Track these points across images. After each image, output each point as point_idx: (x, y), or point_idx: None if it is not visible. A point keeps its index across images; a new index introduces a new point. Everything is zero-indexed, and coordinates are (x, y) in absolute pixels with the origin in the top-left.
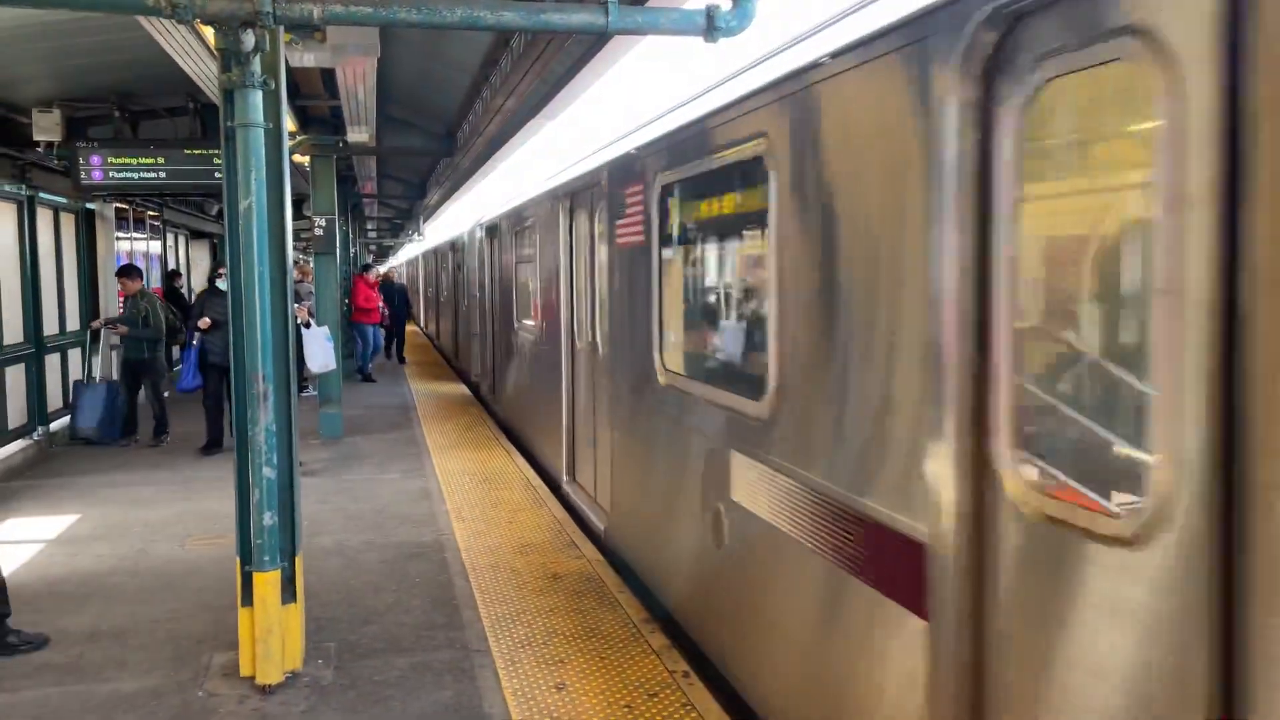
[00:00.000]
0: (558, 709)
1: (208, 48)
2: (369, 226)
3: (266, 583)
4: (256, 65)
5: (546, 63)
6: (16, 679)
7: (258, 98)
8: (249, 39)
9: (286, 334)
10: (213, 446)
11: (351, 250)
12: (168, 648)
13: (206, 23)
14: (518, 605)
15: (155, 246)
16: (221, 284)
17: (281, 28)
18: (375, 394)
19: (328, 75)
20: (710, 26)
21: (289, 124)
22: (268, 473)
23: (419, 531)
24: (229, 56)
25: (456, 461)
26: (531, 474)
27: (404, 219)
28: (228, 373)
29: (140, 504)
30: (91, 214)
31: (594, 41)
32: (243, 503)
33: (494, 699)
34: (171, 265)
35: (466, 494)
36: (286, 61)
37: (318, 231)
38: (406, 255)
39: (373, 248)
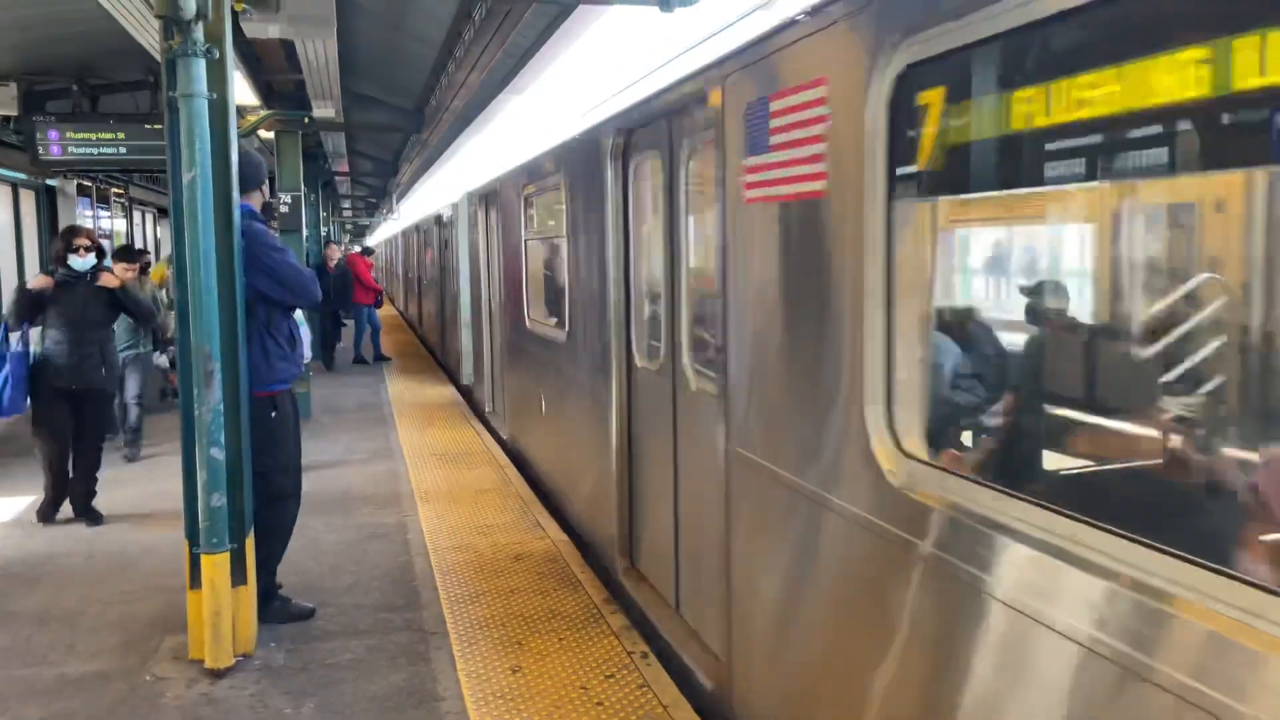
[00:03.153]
0: (512, 691)
1: None
2: (344, 205)
3: (215, 565)
4: (199, 33)
5: (506, 35)
6: None
7: (200, 67)
8: (189, 5)
9: (234, 311)
10: (53, 506)
11: (323, 229)
12: (118, 630)
13: None
14: (478, 586)
15: (120, 224)
16: (78, 262)
17: None
18: (347, 376)
19: (290, 49)
20: None
21: (251, 98)
22: (215, 453)
23: (382, 513)
24: (170, 24)
25: (424, 442)
26: (498, 451)
27: (378, 197)
28: (76, 400)
29: (99, 485)
30: (53, 190)
31: (557, 13)
32: (189, 484)
33: (448, 681)
34: (139, 244)
35: (433, 474)
36: (242, 31)
37: (282, 209)
38: (384, 234)
39: (348, 227)
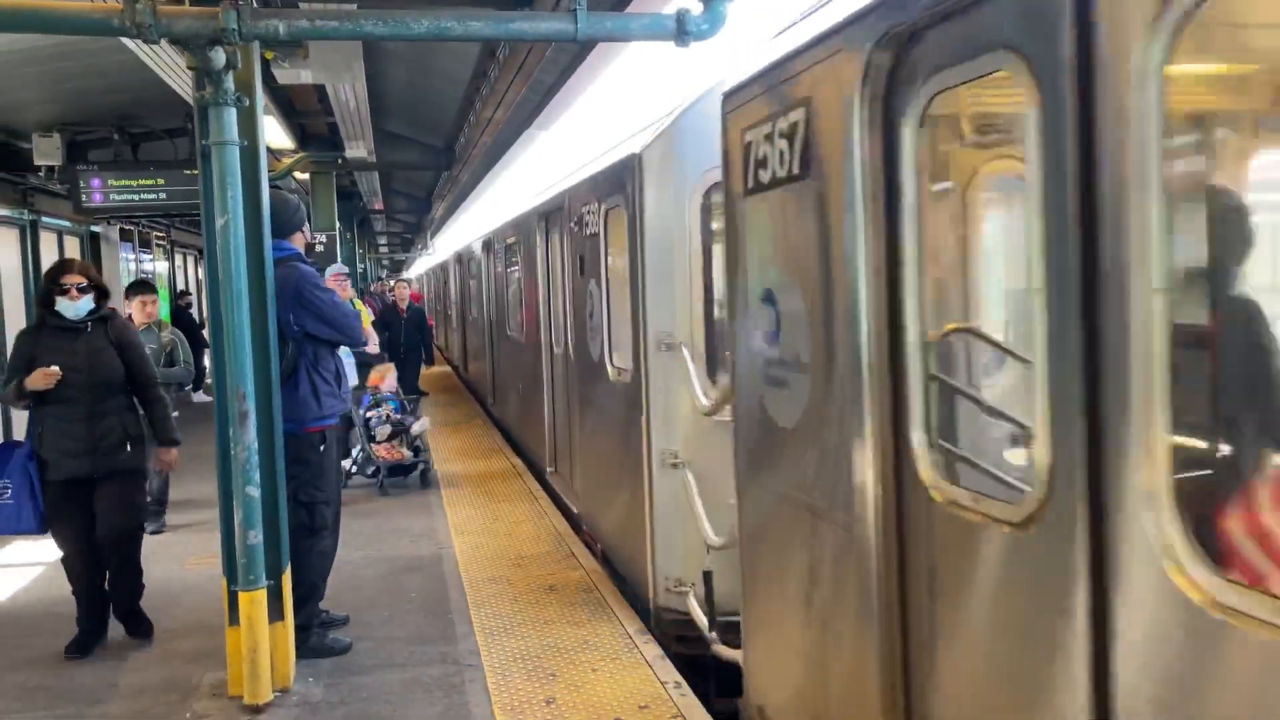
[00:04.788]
0: None
1: None
2: (380, 242)
3: (252, 601)
4: (229, 83)
5: (530, 72)
6: (9, 700)
7: (232, 115)
8: (219, 57)
9: (268, 351)
10: (89, 641)
11: (360, 266)
12: (159, 668)
13: (174, 42)
14: (512, 618)
15: (163, 267)
16: (69, 307)
17: (258, 44)
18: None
19: (322, 92)
20: (681, 30)
21: (286, 141)
22: (251, 491)
23: (418, 545)
24: (201, 74)
25: (459, 473)
26: (534, 484)
27: (414, 233)
28: (95, 488)
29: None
30: (96, 236)
31: (578, 49)
32: (227, 522)
33: (482, 713)
34: (180, 284)
35: (468, 507)
36: (274, 78)
37: (318, 248)
38: (425, 264)
39: (385, 263)
